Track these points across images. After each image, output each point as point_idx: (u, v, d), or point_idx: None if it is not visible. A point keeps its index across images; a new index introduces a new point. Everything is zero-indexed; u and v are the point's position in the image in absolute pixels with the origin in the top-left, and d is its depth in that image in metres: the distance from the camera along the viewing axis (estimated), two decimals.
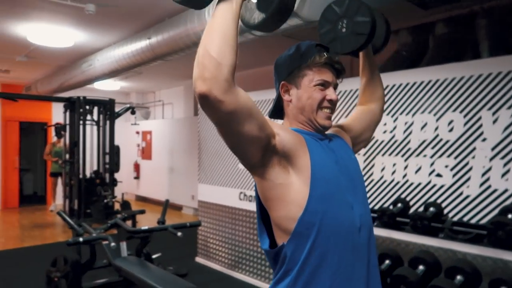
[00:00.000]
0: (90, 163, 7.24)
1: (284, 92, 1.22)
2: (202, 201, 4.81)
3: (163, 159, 8.59)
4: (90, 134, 7.19)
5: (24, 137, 9.12)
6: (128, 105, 7.65)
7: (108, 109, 7.11)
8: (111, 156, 7.13)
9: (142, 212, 4.68)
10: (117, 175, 7.37)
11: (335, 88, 1.21)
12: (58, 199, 8.07)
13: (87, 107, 7.01)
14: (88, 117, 7.05)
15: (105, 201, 6.56)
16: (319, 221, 1.07)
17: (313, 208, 1.07)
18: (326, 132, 1.30)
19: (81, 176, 6.79)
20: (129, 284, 3.47)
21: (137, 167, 9.30)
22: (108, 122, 7.16)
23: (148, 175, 9.03)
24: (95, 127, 7.27)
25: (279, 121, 1.27)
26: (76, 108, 6.90)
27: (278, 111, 1.27)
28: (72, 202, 6.90)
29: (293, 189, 1.08)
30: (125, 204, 6.78)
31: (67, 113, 7.09)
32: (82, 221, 6.47)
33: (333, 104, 1.20)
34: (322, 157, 1.14)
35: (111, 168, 7.09)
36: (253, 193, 4.12)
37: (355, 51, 1.40)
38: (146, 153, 9.13)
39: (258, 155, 1.05)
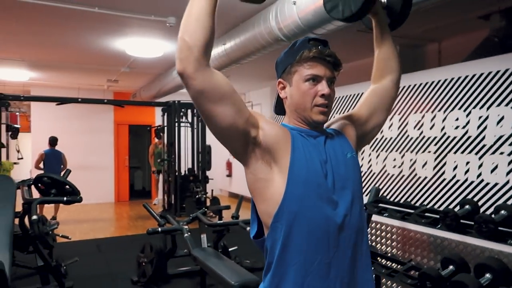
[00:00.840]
0: (185, 162, 7.88)
1: (281, 89, 1.24)
2: None
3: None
4: (185, 135, 7.83)
5: (133, 138, 10.27)
6: None
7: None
8: (203, 155, 7.68)
9: (227, 207, 4.98)
10: (209, 173, 7.91)
11: (331, 82, 1.18)
12: (160, 194, 8.94)
13: (182, 110, 7.66)
14: (184, 119, 7.71)
15: (197, 196, 7.10)
16: (292, 220, 1.09)
17: (287, 207, 1.09)
18: (329, 128, 1.30)
19: (177, 173, 7.44)
20: (204, 273, 3.75)
21: (229, 165, 9.81)
22: (200, 123, 7.72)
23: (240, 173, 9.47)
24: (189, 129, 7.90)
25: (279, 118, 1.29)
26: (172, 111, 7.59)
27: (281, 109, 1.29)
28: (170, 197, 7.61)
29: (272, 186, 1.11)
30: (214, 200, 7.24)
31: (165, 116, 7.85)
32: (179, 214, 7.13)
33: (327, 98, 1.17)
34: (306, 156, 1.13)
35: (203, 166, 7.64)
36: None
37: (359, 14, 1.32)
38: None
39: (238, 144, 1.10)
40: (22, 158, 7.33)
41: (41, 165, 6.47)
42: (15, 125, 7.12)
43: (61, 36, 5.01)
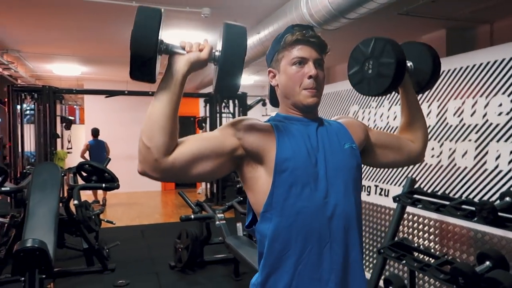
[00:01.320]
0: None
1: (271, 78, 1.22)
2: None
3: None
4: None
5: (180, 129, 10.57)
6: (259, 98, 8.16)
7: (241, 102, 7.74)
8: None
9: None
10: None
11: (318, 64, 1.15)
12: (204, 184, 9.16)
13: (224, 101, 7.77)
14: (226, 109, 7.81)
15: (238, 186, 7.18)
16: (280, 208, 1.07)
17: (276, 195, 1.08)
18: (332, 120, 1.27)
19: None
20: (237, 261, 3.80)
21: None
22: (241, 114, 7.79)
23: None
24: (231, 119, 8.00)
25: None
26: (214, 102, 7.71)
27: (276, 99, 1.27)
28: (212, 187, 7.78)
29: (260, 180, 1.11)
30: None
31: (207, 107, 7.99)
32: (220, 203, 7.27)
33: (315, 80, 1.14)
34: (292, 145, 1.11)
35: None
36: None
37: (383, 92, 1.33)
38: None
39: (229, 169, 1.11)
40: (71, 148, 7.81)
41: (87, 155, 6.89)
42: (69, 117, 7.59)
43: (106, 31, 5.24)
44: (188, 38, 5.63)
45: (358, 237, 1.15)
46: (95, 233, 4.21)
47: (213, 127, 7.74)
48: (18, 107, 6.41)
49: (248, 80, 8.97)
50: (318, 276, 1.08)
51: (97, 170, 3.47)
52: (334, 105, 4.43)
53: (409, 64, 1.42)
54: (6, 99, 6.48)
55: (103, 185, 3.37)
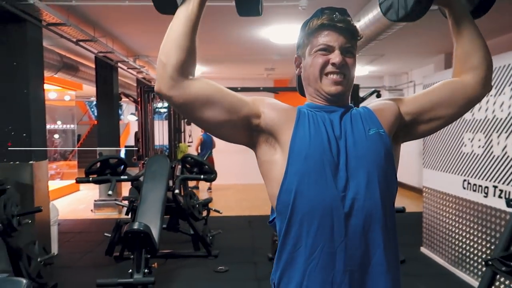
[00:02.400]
0: None
1: (297, 66, 1.16)
2: (426, 187, 4.43)
3: (417, 143, 8.20)
4: None
5: None
6: (372, 90, 7.72)
7: (352, 94, 7.44)
8: None
9: None
10: None
11: (346, 51, 1.06)
12: None
13: None
14: None
15: None
16: (292, 201, 1.01)
17: (288, 186, 1.02)
18: (361, 107, 1.14)
19: None
20: None
21: None
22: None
23: (403, 160, 8.80)
24: None
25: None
26: None
27: (302, 89, 1.19)
28: None
29: (275, 167, 1.05)
30: None
31: None
32: None
33: (339, 67, 1.05)
34: (311, 132, 1.03)
35: None
36: (478, 182, 3.50)
37: (416, 12, 1.11)
38: None
39: (242, 136, 1.07)
40: (191, 142, 8.54)
41: (199, 148, 7.51)
42: None
43: (217, 32, 5.58)
44: (288, 32, 5.61)
45: (382, 237, 1.01)
46: (204, 220, 4.55)
47: None
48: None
49: (362, 71, 8.57)
50: (330, 277, 1.00)
51: (197, 163, 3.75)
52: None
53: None
54: (139, 99, 7.41)
55: (202, 176, 3.63)
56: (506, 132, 3.14)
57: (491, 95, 3.30)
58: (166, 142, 7.84)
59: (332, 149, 1.02)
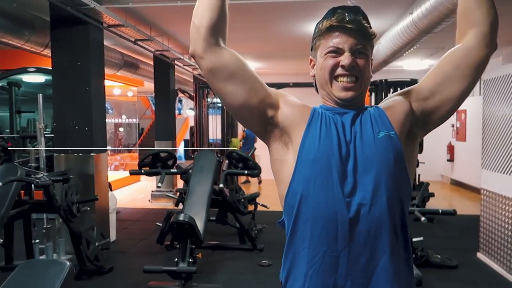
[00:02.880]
0: None
1: (312, 67, 1.14)
2: (485, 189, 4.15)
3: (478, 141, 7.67)
4: None
5: None
6: None
7: None
8: None
9: None
10: (425, 156, 7.28)
11: (359, 52, 1.03)
12: None
13: (391, 88, 7.29)
14: None
15: None
16: (297, 203, 1.02)
17: (294, 188, 1.03)
18: (374, 105, 1.12)
19: None
20: None
21: (451, 148, 8.73)
22: None
23: (465, 158, 8.30)
24: None
25: None
26: (379, 90, 7.32)
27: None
28: None
29: (285, 167, 1.06)
30: (420, 185, 6.65)
31: (373, 96, 7.64)
32: None
33: (349, 70, 1.02)
34: (321, 135, 1.03)
35: None
36: None
37: None
38: (460, 134, 8.41)
39: (255, 124, 1.09)
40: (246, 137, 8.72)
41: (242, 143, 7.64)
42: None
43: (268, 29, 5.63)
44: None
45: (389, 244, 0.99)
46: (251, 214, 4.64)
47: None
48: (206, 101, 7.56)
49: (421, 64, 8.17)
50: (332, 281, 1.00)
51: (242, 158, 3.83)
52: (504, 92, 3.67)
53: None
54: (194, 94, 7.69)
55: (246, 171, 3.71)
56: None
57: None
58: (219, 137, 8.07)
59: (341, 153, 1.01)
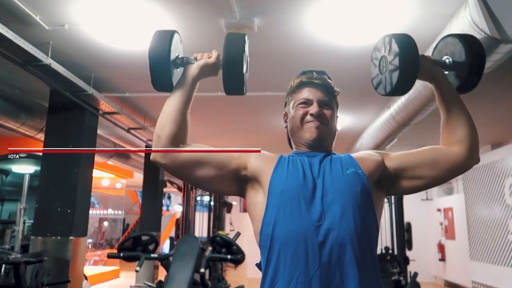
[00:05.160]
0: (383, 239, 7.38)
1: (285, 121, 1.29)
2: (476, 281, 4.01)
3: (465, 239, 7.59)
4: (384, 212, 7.44)
5: None
6: None
7: None
8: (401, 232, 7.05)
9: None
10: (415, 255, 7.12)
11: (324, 104, 1.19)
12: None
13: None
14: None
15: (393, 278, 6.42)
16: (271, 232, 1.07)
17: (267, 219, 1.09)
18: (347, 153, 1.20)
19: None
20: None
21: (441, 248, 8.57)
22: (396, 197, 7.24)
23: (456, 258, 8.10)
24: (386, 204, 7.50)
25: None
26: None
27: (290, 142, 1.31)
28: None
29: (258, 206, 1.14)
30: (414, 285, 6.37)
31: None
32: None
33: (317, 117, 1.17)
34: (289, 171, 1.12)
35: (401, 245, 6.97)
36: None
37: (401, 88, 1.20)
38: (449, 232, 8.34)
39: (232, 187, 1.18)
40: (233, 230, 8.51)
41: None
42: (230, 202, 8.43)
43: (257, 122, 5.92)
44: (339, 121, 5.78)
45: (357, 269, 1.01)
46: None
47: None
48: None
49: None
50: None
51: (225, 243, 3.73)
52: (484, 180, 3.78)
53: (447, 59, 1.27)
54: (183, 186, 7.71)
55: (228, 256, 3.58)
56: None
57: None
58: (205, 234, 7.88)
59: (307, 184, 1.09)
